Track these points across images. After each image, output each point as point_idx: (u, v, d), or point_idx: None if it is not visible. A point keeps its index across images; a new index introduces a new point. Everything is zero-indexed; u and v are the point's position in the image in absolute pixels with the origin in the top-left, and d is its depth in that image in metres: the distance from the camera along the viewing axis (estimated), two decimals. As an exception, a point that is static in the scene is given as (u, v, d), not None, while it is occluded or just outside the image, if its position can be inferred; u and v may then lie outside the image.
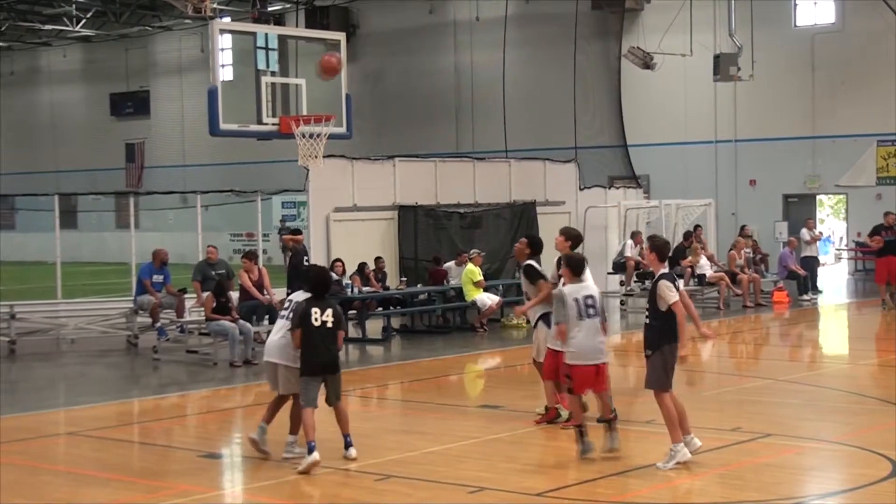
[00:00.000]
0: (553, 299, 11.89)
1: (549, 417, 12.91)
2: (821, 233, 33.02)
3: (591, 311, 11.30)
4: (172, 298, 20.30)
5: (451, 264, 23.46)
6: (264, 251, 24.27)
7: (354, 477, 10.92)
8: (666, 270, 11.04)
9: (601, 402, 11.55)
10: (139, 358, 19.83)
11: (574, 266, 11.51)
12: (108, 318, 21.53)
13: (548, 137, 36.21)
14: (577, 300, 11.29)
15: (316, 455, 11.03)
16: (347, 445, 11.48)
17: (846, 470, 11.18)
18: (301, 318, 11.22)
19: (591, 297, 11.37)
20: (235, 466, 11.90)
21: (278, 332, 11.66)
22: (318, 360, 11.24)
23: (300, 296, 11.68)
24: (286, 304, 11.96)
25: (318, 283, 11.50)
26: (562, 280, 11.87)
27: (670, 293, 10.74)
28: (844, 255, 36.32)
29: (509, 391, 14.80)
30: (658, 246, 11.25)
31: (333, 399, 11.43)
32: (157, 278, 20.47)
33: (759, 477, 10.78)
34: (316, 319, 11.20)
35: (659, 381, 10.92)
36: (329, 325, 11.23)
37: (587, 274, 11.68)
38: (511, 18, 38.15)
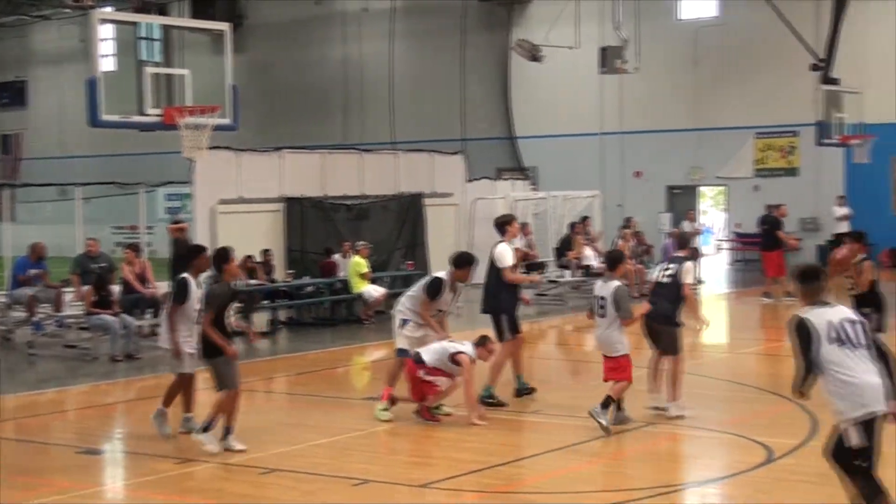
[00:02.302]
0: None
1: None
2: (702, 224, 33.64)
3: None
4: (50, 292, 19.80)
5: (336, 256, 23.35)
6: (148, 244, 23.86)
7: (238, 471, 10.82)
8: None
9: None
10: (14, 353, 19.30)
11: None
12: (-19, 312, 20.93)
13: (436, 129, 36.24)
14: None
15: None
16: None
17: (725, 457, 11.41)
18: None
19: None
20: (116, 462, 11.68)
21: None
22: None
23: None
24: None
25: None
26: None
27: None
28: (725, 245, 37.02)
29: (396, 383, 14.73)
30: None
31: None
32: (34, 272, 19.95)
33: (643, 465, 10.99)
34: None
35: None
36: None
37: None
38: (399, 10, 38.11)
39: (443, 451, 11.64)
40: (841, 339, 7.62)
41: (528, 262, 26.21)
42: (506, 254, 13.60)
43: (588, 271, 26.13)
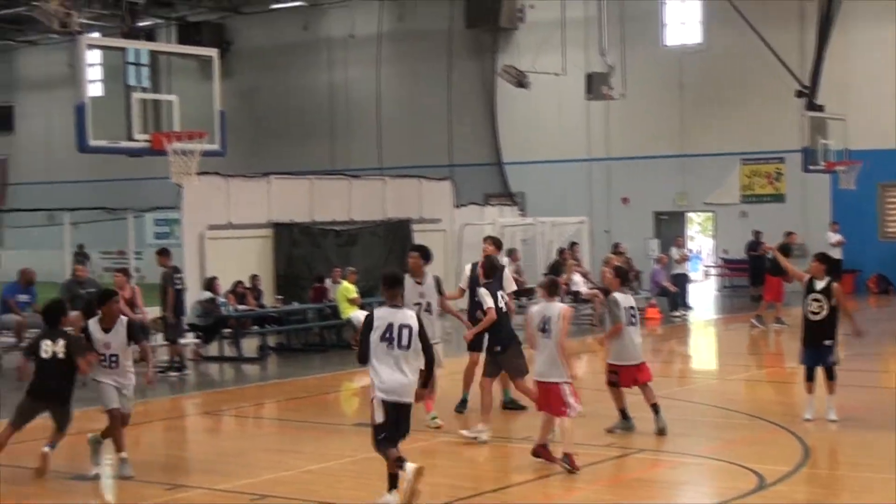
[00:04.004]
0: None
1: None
2: (690, 250, 33.70)
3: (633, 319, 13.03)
4: (38, 318, 19.70)
5: (326, 281, 23.34)
6: (136, 269, 23.83)
7: (230, 497, 10.77)
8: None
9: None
10: (2, 379, 19.21)
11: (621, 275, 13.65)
12: (-31, 337, 20.83)
13: (423, 155, 36.29)
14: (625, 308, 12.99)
15: None
16: None
17: (715, 484, 11.36)
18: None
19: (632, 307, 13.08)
20: (107, 488, 11.60)
21: None
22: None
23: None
24: None
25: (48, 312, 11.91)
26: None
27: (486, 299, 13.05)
28: (713, 271, 37.07)
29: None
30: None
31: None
32: (23, 298, 19.89)
33: (632, 492, 10.93)
34: (46, 351, 11.45)
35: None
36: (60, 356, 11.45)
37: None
38: (386, 35, 38.22)
39: (435, 477, 11.51)
40: (388, 339, 9.86)
41: (517, 289, 26.15)
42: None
43: (577, 297, 26.13)
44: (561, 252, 27.34)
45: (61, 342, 11.45)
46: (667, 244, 31.30)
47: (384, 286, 10.29)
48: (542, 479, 11.12)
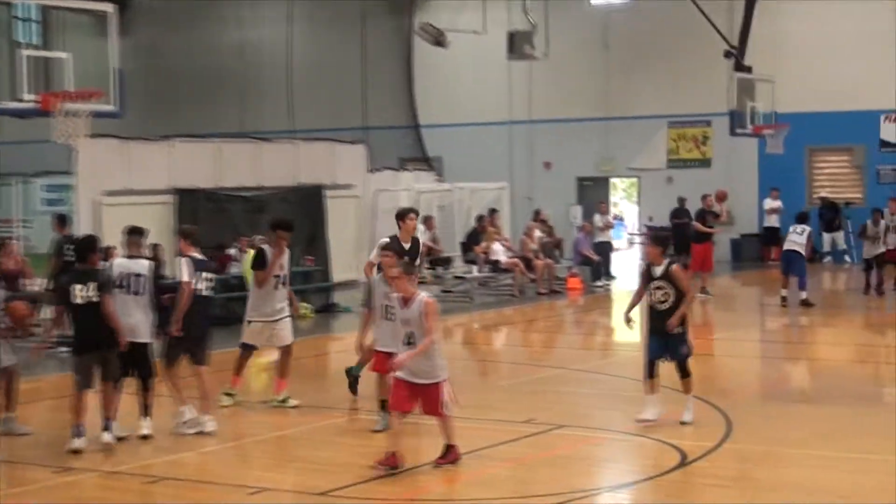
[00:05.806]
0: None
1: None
2: (615, 216, 33.04)
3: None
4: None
5: (233, 251, 22.32)
6: (26, 238, 22.68)
7: (122, 479, 10.30)
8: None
9: None
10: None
11: None
12: None
13: (336, 117, 35.19)
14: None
15: None
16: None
17: (637, 461, 11.13)
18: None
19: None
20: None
21: None
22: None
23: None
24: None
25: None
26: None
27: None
28: (637, 239, 36.47)
29: (296, 385, 13.83)
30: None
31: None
32: None
33: (550, 470, 10.53)
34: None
35: None
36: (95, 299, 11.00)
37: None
38: (297, -10, 37.01)
39: (345, 458, 11.12)
40: (124, 286, 11.29)
41: (433, 257, 25.34)
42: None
43: (496, 266, 25.35)
44: (480, 219, 26.59)
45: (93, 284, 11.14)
46: (590, 211, 30.61)
47: (125, 235, 11.80)
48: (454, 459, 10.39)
